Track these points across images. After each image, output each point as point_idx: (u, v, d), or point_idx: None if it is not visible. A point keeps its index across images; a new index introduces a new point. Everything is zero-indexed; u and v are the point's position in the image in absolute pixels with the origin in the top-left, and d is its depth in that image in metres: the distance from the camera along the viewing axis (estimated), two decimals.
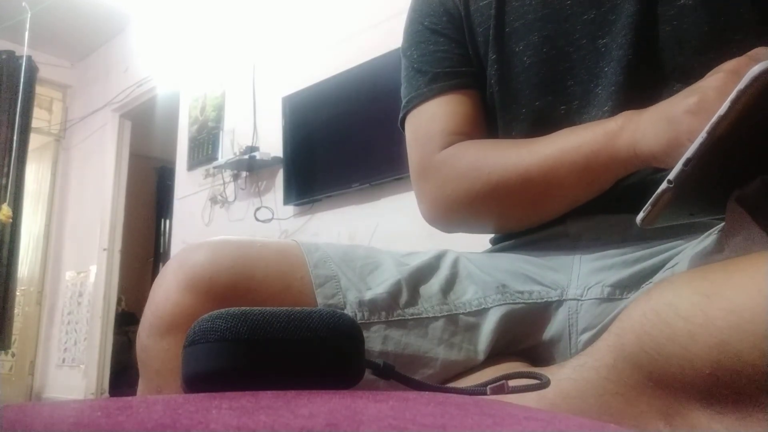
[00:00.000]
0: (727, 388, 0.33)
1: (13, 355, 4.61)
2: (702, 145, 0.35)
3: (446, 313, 0.54)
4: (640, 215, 0.41)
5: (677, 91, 0.55)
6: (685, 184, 0.38)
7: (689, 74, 0.55)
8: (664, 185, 0.38)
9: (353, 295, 0.52)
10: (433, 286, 0.56)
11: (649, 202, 0.39)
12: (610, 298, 0.52)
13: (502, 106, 0.65)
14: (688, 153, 0.36)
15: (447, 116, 0.66)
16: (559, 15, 0.62)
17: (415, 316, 0.54)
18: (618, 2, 0.59)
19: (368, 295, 0.53)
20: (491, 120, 0.68)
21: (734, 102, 0.32)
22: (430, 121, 0.67)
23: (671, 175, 0.37)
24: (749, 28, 0.55)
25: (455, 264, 0.59)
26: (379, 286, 0.54)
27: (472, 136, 0.65)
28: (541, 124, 0.62)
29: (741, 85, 0.32)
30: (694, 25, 0.56)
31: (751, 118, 0.35)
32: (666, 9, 0.57)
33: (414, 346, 0.53)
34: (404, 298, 0.54)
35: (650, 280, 0.52)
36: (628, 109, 0.56)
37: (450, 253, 0.61)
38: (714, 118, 0.34)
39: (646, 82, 0.57)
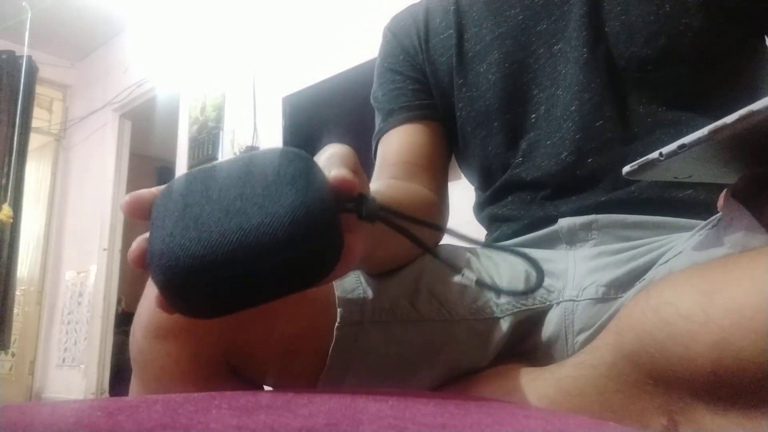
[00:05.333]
0: (729, 386, 0.33)
1: (13, 355, 4.61)
2: (700, 139, 0.35)
3: (460, 318, 0.54)
4: (626, 168, 0.42)
5: (636, 81, 0.59)
6: (676, 161, 0.38)
7: (644, 62, 0.58)
8: (655, 154, 0.39)
9: (372, 291, 0.52)
10: (447, 289, 0.56)
11: (638, 162, 0.41)
12: (604, 298, 0.53)
13: (476, 124, 0.68)
14: (686, 139, 0.36)
15: (398, 146, 0.72)
16: (514, 31, 0.66)
17: (431, 319, 0.53)
18: (566, 9, 0.63)
19: (387, 294, 0.52)
20: (463, 142, 0.71)
21: (742, 118, 0.33)
22: (385, 153, 0.73)
23: (665, 150, 0.38)
24: (693, 12, 0.57)
25: (467, 265, 0.59)
26: (397, 287, 0.54)
27: (419, 164, 0.70)
28: (514, 135, 0.65)
29: (755, 107, 0.32)
30: (641, 16, 0.59)
31: (759, 137, 0.35)
32: (612, 6, 0.60)
33: (424, 348, 0.52)
34: (420, 299, 0.54)
35: (643, 278, 0.52)
36: (593, 108, 0.59)
37: (458, 250, 0.61)
38: (719, 122, 0.34)
39: (604, 77, 0.60)
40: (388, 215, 0.34)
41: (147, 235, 0.32)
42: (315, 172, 0.32)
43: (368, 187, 0.38)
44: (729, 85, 0.59)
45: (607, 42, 0.60)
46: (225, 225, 0.29)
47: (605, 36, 0.60)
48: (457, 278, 0.38)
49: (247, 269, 0.29)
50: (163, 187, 0.34)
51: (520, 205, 0.64)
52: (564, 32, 0.63)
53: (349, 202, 0.33)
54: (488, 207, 0.69)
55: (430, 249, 0.38)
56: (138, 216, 0.34)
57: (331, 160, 0.35)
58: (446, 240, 0.65)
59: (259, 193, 0.30)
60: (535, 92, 0.64)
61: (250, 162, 0.33)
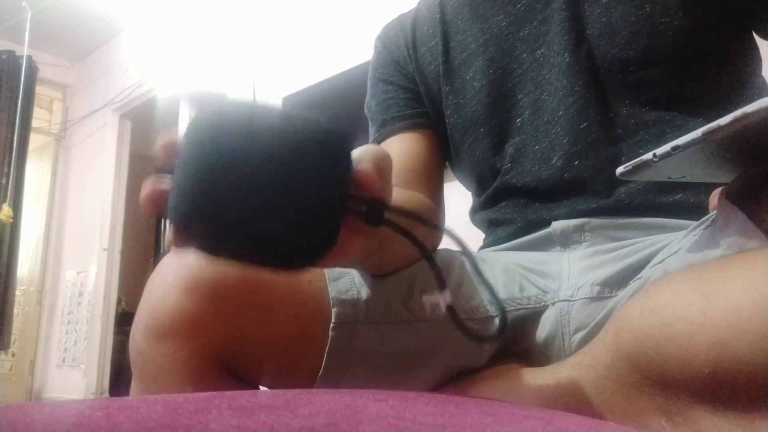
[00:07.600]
0: (727, 387, 0.33)
1: (13, 355, 4.61)
2: (693, 141, 0.35)
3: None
4: (620, 169, 0.42)
5: (618, 82, 0.59)
6: (670, 162, 0.38)
7: (626, 63, 0.58)
8: (649, 155, 0.39)
9: (366, 292, 0.52)
10: None
11: (631, 163, 0.41)
12: (599, 297, 0.53)
13: (463, 130, 0.69)
14: (680, 141, 0.36)
15: (394, 155, 0.73)
16: (498, 38, 0.67)
17: (424, 319, 0.54)
18: (547, 14, 0.64)
19: (381, 295, 0.53)
20: (454, 149, 0.72)
21: (736, 120, 0.33)
22: None
23: (659, 151, 0.38)
24: (673, 11, 0.57)
25: (462, 267, 0.59)
26: (391, 287, 0.54)
27: (415, 170, 0.70)
28: (500, 139, 0.66)
29: (749, 109, 0.32)
30: (622, 18, 0.59)
31: (752, 139, 0.35)
32: (593, 9, 0.61)
33: (419, 348, 0.53)
34: (414, 300, 0.54)
35: (638, 276, 0.52)
36: (578, 111, 0.59)
37: (454, 254, 0.61)
38: (713, 124, 0.34)
39: (587, 80, 0.60)
40: (393, 218, 0.35)
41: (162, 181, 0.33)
42: (342, 159, 0.33)
43: (388, 193, 0.37)
44: (713, 84, 0.59)
45: (588, 45, 0.60)
46: (251, 188, 0.31)
47: (587, 39, 0.60)
48: (425, 298, 0.39)
49: (251, 231, 0.31)
50: (188, 131, 0.33)
51: (514, 209, 0.65)
52: (546, 37, 0.63)
53: (361, 203, 0.34)
54: (484, 211, 0.70)
55: (431, 257, 0.38)
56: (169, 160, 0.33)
57: (365, 155, 0.35)
58: (444, 243, 0.66)
59: (287, 163, 0.31)
60: (519, 96, 0.65)
61: (287, 122, 0.33)
